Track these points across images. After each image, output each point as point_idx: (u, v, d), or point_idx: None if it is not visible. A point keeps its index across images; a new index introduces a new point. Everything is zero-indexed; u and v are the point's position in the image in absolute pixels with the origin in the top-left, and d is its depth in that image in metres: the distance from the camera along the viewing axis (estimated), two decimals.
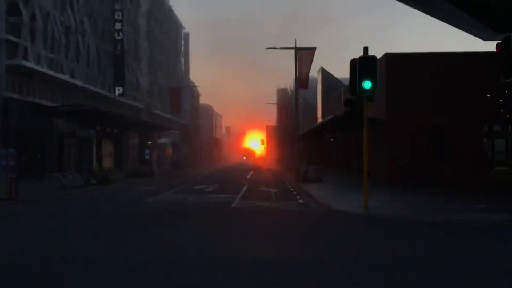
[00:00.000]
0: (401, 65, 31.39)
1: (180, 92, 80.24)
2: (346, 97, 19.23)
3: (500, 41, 15.54)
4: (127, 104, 65.95)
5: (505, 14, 24.41)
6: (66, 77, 48.16)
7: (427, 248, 12.06)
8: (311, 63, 38.56)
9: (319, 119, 60.69)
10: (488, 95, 31.31)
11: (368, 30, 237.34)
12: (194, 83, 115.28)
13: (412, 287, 8.64)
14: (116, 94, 60.75)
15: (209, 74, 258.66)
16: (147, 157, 61.88)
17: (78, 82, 51.07)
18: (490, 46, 42.32)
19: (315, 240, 13.25)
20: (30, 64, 41.43)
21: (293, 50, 37.84)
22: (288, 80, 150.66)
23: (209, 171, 60.50)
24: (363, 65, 17.56)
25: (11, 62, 39.90)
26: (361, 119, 18.37)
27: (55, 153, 43.78)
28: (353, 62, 17.98)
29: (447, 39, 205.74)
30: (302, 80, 38.92)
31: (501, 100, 31.11)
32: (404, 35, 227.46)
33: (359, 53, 18.04)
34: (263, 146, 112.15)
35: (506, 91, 30.26)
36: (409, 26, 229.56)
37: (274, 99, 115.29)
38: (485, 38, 34.55)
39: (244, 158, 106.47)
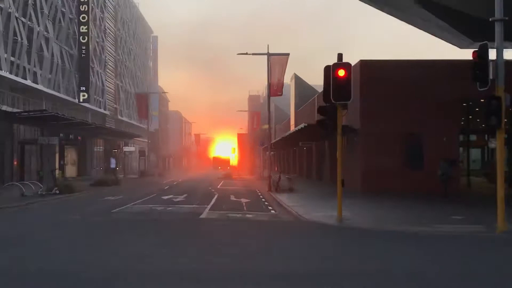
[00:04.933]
0: (376, 72, 31.70)
1: (148, 98, 79.98)
2: (320, 105, 19.33)
3: (476, 49, 15.80)
4: (92, 110, 65.37)
5: (480, 21, 24.90)
6: (28, 82, 47.48)
7: (400, 259, 12.16)
8: (284, 69, 38.70)
9: (292, 127, 60.97)
10: (464, 104, 31.84)
11: (341, 37, 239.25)
12: (162, 89, 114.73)
13: None
14: (81, 99, 60.17)
15: (179, 80, 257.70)
16: (113, 166, 61.28)
17: (41, 87, 50.41)
18: (466, 54, 42.97)
19: (284, 251, 13.26)
20: None
21: (265, 56, 37.95)
22: (260, 87, 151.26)
23: (178, 181, 60.10)
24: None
25: None
26: (335, 126, 18.49)
27: (15, 160, 43.07)
28: (327, 69, 18.13)
29: (422, 46, 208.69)
30: (275, 87, 39.00)
31: (477, 109, 31.65)
32: (379, 42, 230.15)
33: (333, 60, 18.20)
34: (234, 154, 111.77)
35: (482, 100, 30.80)
36: (386, 32, 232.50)
37: (245, 106, 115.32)
38: (461, 46, 35.18)
39: (219, 168, 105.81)
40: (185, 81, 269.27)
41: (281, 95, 40.43)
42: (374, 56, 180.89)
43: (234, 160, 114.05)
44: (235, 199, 30.58)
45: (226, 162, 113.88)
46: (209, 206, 25.49)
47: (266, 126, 47.06)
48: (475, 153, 34.63)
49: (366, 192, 30.22)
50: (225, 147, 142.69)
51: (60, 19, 56.90)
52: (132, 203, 27.04)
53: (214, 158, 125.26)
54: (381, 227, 17.40)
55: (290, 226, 18.59)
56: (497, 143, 16.51)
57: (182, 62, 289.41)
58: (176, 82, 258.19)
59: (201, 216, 21.23)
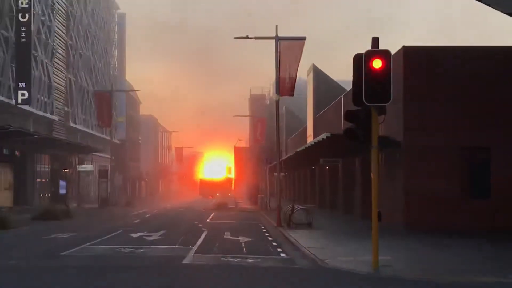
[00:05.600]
0: (425, 63, 31.63)
1: (112, 99, 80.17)
2: (348, 108, 19.28)
3: None
4: (34, 114, 65.39)
5: None
6: None
7: None
8: (298, 59, 38.64)
9: (310, 138, 60.86)
10: None
11: (374, 17, 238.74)
12: (132, 86, 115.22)
13: None
14: (19, 100, 60.18)
15: (154, 75, 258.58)
16: (63, 191, 61.33)
17: None
18: None
19: None
20: None
21: (273, 41, 37.91)
22: (265, 84, 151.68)
23: (153, 212, 59.97)
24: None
25: None
26: (368, 138, 18.39)
27: None
28: (358, 59, 18.05)
29: (486, 31, 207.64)
30: (286, 84, 38.93)
31: None
32: (425, 24, 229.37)
33: (365, 48, 18.14)
34: (230, 175, 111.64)
35: None
36: (433, 13, 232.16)
37: (245, 109, 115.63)
38: None
39: (210, 196, 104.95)
40: (162, 75, 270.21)
41: (292, 94, 40.34)
42: (420, 43, 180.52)
43: (230, 183, 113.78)
44: (231, 237, 30.47)
45: (219, 186, 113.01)
46: (195, 247, 25.39)
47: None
48: None
49: (412, 228, 30.09)
50: (218, 165, 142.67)
51: None
52: (88, 243, 26.94)
53: (202, 181, 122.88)
54: (435, 277, 17.25)
55: (309, 277, 18.43)
56: None
57: (158, 50, 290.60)
58: (151, 77, 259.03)
59: (184, 262, 21.11)
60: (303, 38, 38.69)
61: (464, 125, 31.18)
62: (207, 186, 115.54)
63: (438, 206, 30.70)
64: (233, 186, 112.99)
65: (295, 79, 39.72)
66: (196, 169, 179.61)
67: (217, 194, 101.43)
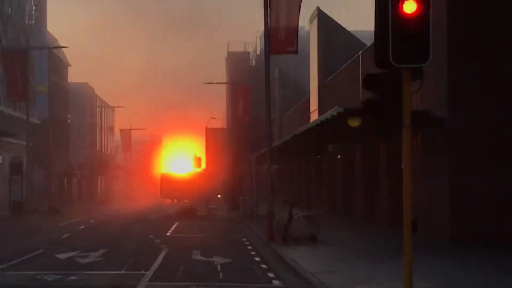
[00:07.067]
0: (479, 5, 31.70)
1: (27, 60, 79.84)
2: (369, 72, 19.24)
3: None
4: None
5: None
6: None
7: None
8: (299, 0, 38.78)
9: (314, 115, 60.87)
10: None
11: None
12: (57, 41, 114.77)
13: None
14: None
15: (88, 24, 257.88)
16: None
17: None
18: None
19: None
20: None
21: None
22: (249, 37, 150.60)
23: (89, 222, 59.99)
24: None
25: None
26: (398, 113, 18.42)
27: None
28: (383, 1, 18.06)
29: None
30: (280, 36, 39.03)
31: None
32: None
33: None
34: (199, 169, 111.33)
35: None
36: None
37: (221, 75, 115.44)
38: None
39: (174, 198, 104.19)
40: (100, 25, 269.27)
41: (293, 52, 40.36)
42: None
43: (201, 180, 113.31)
44: (202, 257, 30.66)
45: (184, 184, 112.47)
46: (150, 273, 25.45)
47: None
48: None
49: (461, 242, 30.26)
50: (184, 154, 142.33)
51: None
52: None
53: (165, 178, 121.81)
54: None
55: None
56: None
57: None
58: (83, 28, 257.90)
59: None
60: None
61: None
62: (170, 184, 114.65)
63: (498, 212, 30.92)
64: (202, 183, 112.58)
65: (296, 29, 39.72)
66: (152, 161, 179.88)
67: (188, 195, 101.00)
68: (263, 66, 41.30)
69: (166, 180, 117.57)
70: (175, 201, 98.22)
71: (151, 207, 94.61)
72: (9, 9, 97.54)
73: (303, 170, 72.88)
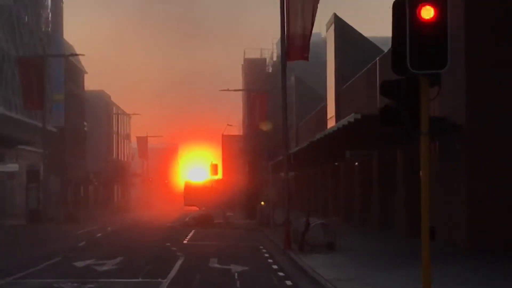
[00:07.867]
0: (497, 10, 31.59)
1: (44, 68, 79.91)
2: (386, 78, 19.19)
3: None
4: None
5: None
6: None
7: None
8: (315, 6, 38.65)
9: (331, 122, 60.79)
10: None
11: None
12: (73, 49, 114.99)
13: None
14: None
15: (105, 33, 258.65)
16: None
17: None
18: None
19: None
20: None
21: None
22: (265, 43, 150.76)
23: (106, 230, 60.05)
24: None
25: None
26: (415, 120, 18.34)
27: None
28: (400, 7, 17.98)
29: None
30: (296, 43, 38.98)
31: None
32: None
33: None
34: (216, 177, 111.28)
35: None
36: None
37: (237, 81, 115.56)
38: None
39: (196, 205, 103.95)
40: (117, 34, 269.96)
41: (308, 58, 40.28)
42: None
43: (218, 188, 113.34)
44: (219, 265, 30.69)
45: (206, 192, 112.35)
46: (167, 281, 25.46)
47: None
48: None
49: (478, 250, 30.10)
50: (200, 162, 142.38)
51: None
52: (10, 277, 26.93)
53: (187, 184, 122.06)
54: None
55: None
56: None
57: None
58: (100, 35, 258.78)
59: None
60: None
61: None
62: (195, 193, 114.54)
63: None
64: (218, 191, 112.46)
65: (310, 36, 39.65)
66: (169, 168, 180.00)
67: (204, 203, 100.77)
68: (280, 73, 41.27)
69: (189, 188, 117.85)
70: (199, 208, 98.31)
71: (168, 215, 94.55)
72: (25, 17, 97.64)
73: (320, 177, 72.81)
